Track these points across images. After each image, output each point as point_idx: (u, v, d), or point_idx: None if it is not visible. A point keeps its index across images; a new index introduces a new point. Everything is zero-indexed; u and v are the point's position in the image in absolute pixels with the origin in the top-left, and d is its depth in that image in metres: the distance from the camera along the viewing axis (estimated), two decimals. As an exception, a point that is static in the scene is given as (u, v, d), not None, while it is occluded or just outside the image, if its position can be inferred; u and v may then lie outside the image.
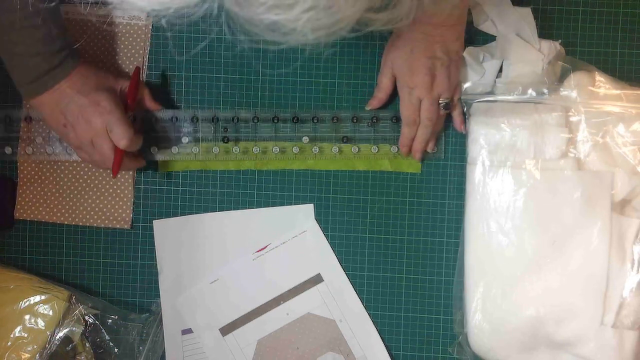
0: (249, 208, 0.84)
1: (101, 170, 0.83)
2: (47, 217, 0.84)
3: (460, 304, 0.80)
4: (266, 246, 0.83)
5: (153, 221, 0.84)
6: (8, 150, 0.83)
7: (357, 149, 0.82)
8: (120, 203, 0.84)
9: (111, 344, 0.82)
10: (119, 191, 0.84)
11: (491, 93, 0.79)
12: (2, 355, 0.78)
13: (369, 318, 0.83)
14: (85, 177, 0.84)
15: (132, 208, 0.84)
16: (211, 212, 0.84)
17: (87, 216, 0.84)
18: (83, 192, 0.84)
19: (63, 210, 0.84)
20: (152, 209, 0.84)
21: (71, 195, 0.84)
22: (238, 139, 0.82)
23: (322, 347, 0.83)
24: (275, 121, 0.82)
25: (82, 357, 0.81)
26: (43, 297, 0.80)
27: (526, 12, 0.78)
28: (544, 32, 0.80)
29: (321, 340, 0.83)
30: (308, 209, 0.84)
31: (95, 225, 0.84)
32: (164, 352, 0.83)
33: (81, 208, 0.84)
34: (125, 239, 0.85)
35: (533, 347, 0.77)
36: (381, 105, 0.81)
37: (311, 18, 0.40)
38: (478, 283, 0.78)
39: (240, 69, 0.83)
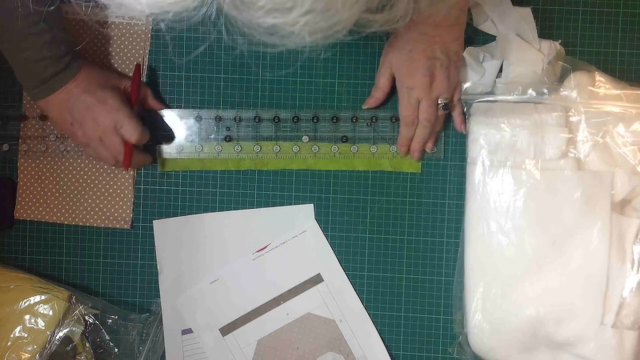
0: (248, 208, 0.84)
1: (101, 170, 0.84)
2: (47, 217, 0.84)
3: (460, 304, 0.80)
4: (266, 246, 0.83)
5: (153, 221, 0.84)
6: (5, 147, 0.84)
7: (356, 149, 0.82)
8: (120, 203, 0.84)
9: (111, 344, 0.82)
10: (119, 191, 0.84)
11: (491, 93, 0.79)
12: (2, 355, 0.78)
13: (369, 318, 0.83)
14: (85, 177, 0.84)
15: (132, 208, 0.84)
16: (211, 212, 0.84)
17: (87, 216, 0.84)
18: (83, 192, 0.84)
19: (63, 210, 0.84)
20: (152, 209, 0.84)
21: (71, 195, 0.84)
22: (240, 137, 0.83)
23: (322, 347, 0.83)
24: (276, 120, 0.83)
25: (82, 357, 0.81)
26: (43, 297, 0.80)
27: (526, 12, 0.79)
28: (544, 32, 0.80)
29: (321, 340, 0.83)
30: (308, 209, 0.84)
31: (95, 225, 0.84)
32: (164, 352, 0.83)
33: (81, 208, 0.84)
34: (125, 239, 0.85)
35: (533, 347, 0.77)
36: (378, 104, 0.81)
37: (309, 21, 0.40)
38: (478, 283, 0.78)
39: (241, 69, 0.83)
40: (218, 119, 0.83)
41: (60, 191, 0.84)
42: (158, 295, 0.84)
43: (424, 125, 0.78)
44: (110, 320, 0.82)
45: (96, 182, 0.84)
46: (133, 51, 0.83)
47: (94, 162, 0.84)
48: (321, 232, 0.83)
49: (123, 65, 0.83)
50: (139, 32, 0.83)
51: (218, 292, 0.83)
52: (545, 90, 0.78)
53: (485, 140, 0.78)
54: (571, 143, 0.77)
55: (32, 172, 0.84)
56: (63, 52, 0.72)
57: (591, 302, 0.75)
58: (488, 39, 0.81)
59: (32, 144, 0.83)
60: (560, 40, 0.79)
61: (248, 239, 0.84)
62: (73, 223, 0.84)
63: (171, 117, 0.83)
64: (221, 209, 0.84)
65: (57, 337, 0.79)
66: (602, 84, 0.77)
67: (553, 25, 0.82)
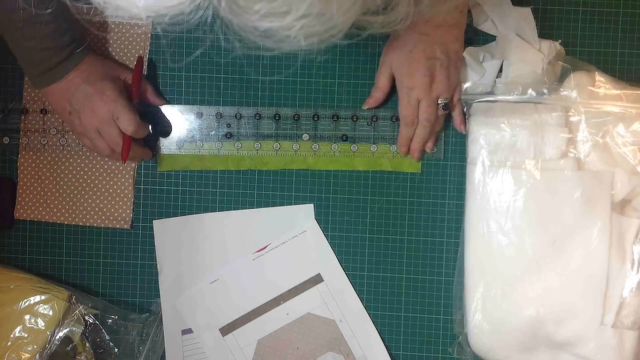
0: (248, 208, 0.84)
1: (101, 170, 0.84)
2: (47, 217, 0.84)
3: (460, 304, 0.81)
4: (266, 246, 0.83)
5: (153, 221, 0.84)
6: (6, 140, 0.84)
7: (356, 148, 0.82)
8: (120, 203, 0.84)
9: (111, 344, 0.82)
10: (119, 191, 0.84)
11: (491, 93, 0.79)
12: (2, 355, 0.78)
13: (369, 318, 0.83)
14: (85, 177, 0.84)
15: (132, 208, 0.84)
16: (211, 212, 0.84)
17: (87, 216, 0.84)
18: (83, 192, 0.84)
19: (63, 210, 0.84)
20: (152, 209, 0.84)
21: (71, 195, 0.84)
22: (240, 134, 0.83)
23: (322, 347, 0.83)
24: (277, 118, 0.83)
25: (82, 357, 0.81)
26: (43, 297, 0.80)
27: (526, 12, 0.79)
28: (544, 32, 0.80)
29: (321, 340, 0.83)
30: (308, 209, 0.84)
31: (95, 225, 0.84)
32: (164, 352, 0.83)
33: (81, 208, 0.84)
34: (125, 239, 0.85)
35: (533, 347, 0.77)
36: (378, 104, 0.82)
37: (304, 25, 0.40)
38: (478, 283, 0.78)
39: (241, 68, 0.83)
40: (219, 115, 0.83)
41: (60, 191, 0.84)
42: (158, 295, 0.84)
43: (423, 125, 0.78)
44: (110, 320, 0.82)
45: (96, 182, 0.84)
46: (133, 51, 0.83)
47: (94, 162, 0.84)
48: (321, 232, 0.83)
49: (127, 62, 0.83)
50: (139, 31, 0.83)
51: (218, 292, 0.83)
52: (545, 90, 0.78)
53: (485, 140, 0.78)
54: (571, 143, 0.77)
55: (32, 172, 0.84)
56: (66, 42, 0.73)
57: (591, 302, 0.75)
58: (488, 39, 0.81)
59: (32, 138, 0.83)
60: (560, 40, 0.79)
61: (248, 239, 0.84)
62: (73, 223, 0.84)
63: (172, 113, 0.83)
64: (221, 209, 0.84)
65: (57, 337, 0.79)
66: (602, 84, 0.77)
67: (553, 25, 0.82)
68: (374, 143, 0.83)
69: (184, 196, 0.84)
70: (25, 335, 0.79)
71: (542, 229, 0.76)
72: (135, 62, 0.80)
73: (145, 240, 0.85)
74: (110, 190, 0.84)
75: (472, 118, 0.79)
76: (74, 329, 0.80)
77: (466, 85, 0.79)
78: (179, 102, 0.84)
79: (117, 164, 0.84)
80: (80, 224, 0.84)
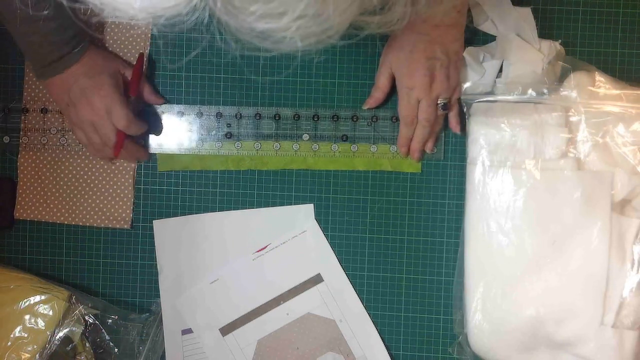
0: (248, 208, 0.84)
1: (101, 170, 0.84)
2: (47, 217, 0.84)
3: (460, 304, 0.80)
4: (266, 246, 0.83)
5: (153, 221, 0.84)
6: (6, 139, 0.84)
7: (356, 148, 0.82)
8: (120, 203, 0.84)
9: (111, 344, 0.82)
10: (119, 191, 0.84)
11: (491, 93, 0.79)
12: (2, 355, 0.78)
13: (369, 318, 0.83)
14: (85, 177, 0.84)
15: (132, 208, 0.84)
16: (211, 212, 0.84)
17: (87, 216, 0.84)
18: (83, 192, 0.84)
19: (63, 210, 0.84)
20: (152, 209, 0.84)
21: (71, 195, 0.84)
22: (240, 134, 0.83)
23: (322, 347, 0.83)
24: (277, 118, 0.83)
25: (82, 357, 0.81)
26: (43, 297, 0.80)
27: (526, 12, 0.78)
28: (544, 32, 0.80)
29: (321, 340, 0.83)
30: (308, 209, 0.84)
31: (95, 225, 0.84)
32: (164, 352, 0.83)
33: (81, 208, 0.84)
34: (125, 239, 0.85)
35: (533, 347, 0.77)
36: (378, 104, 0.82)
37: (301, 26, 0.40)
38: (478, 283, 0.78)
39: (241, 68, 0.83)
40: (219, 115, 0.83)
41: (60, 191, 0.84)
42: (158, 295, 0.84)
43: (423, 125, 0.78)
44: (110, 320, 0.82)
45: (96, 182, 0.84)
46: (133, 51, 0.83)
47: (94, 162, 0.84)
48: (321, 232, 0.83)
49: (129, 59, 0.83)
50: (139, 31, 0.83)
51: (218, 292, 0.83)
52: (545, 90, 0.78)
53: (485, 140, 0.78)
54: (571, 143, 0.77)
55: (32, 172, 0.84)
56: (69, 36, 0.74)
57: (591, 302, 0.75)
58: (488, 39, 0.81)
59: (32, 137, 0.84)
60: (560, 40, 0.79)
61: (248, 239, 0.84)
62: (73, 223, 0.84)
63: (172, 112, 0.83)
64: (221, 209, 0.84)
65: (57, 337, 0.79)
66: (602, 84, 0.77)
67: (553, 25, 0.82)
68: (374, 143, 0.83)
69: (184, 196, 0.84)
70: (25, 335, 0.79)
71: (542, 229, 0.76)
72: (136, 60, 0.80)
73: (145, 240, 0.85)
74: (110, 190, 0.84)
75: (472, 118, 0.79)
76: (74, 329, 0.80)
77: (466, 85, 0.79)
78: (179, 102, 0.84)
79: (117, 164, 0.84)
80: (80, 224, 0.84)
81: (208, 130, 0.83)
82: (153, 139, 0.83)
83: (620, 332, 0.74)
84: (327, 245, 0.83)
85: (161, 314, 0.83)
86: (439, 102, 0.77)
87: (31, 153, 0.84)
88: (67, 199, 0.84)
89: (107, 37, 0.83)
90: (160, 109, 0.83)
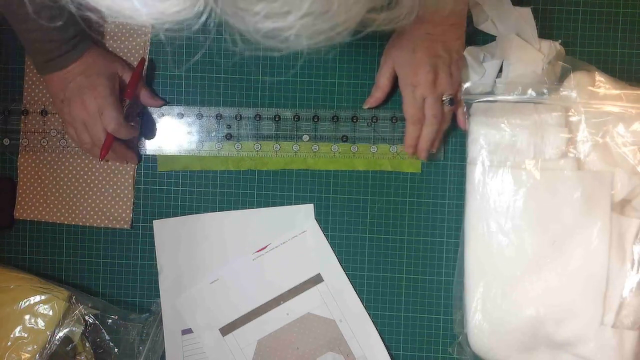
0: (248, 208, 0.84)
1: (101, 170, 0.84)
2: (47, 217, 0.84)
3: (460, 304, 0.80)
4: (266, 246, 0.83)
5: (153, 221, 0.84)
6: (6, 141, 0.84)
7: (356, 148, 0.82)
8: (120, 203, 0.84)
9: (111, 344, 0.82)
10: (119, 191, 0.84)
11: (491, 93, 0.79)
12: (2, 355, 0.78)
13: (369, 318, 0.83)
14: (85, 177, 0.84)
15: (132, 208, 0.84)
16: (211, 212, 0.84)
17: (87, 216, 0.84)
18: (83, 192, 0.84)
19: (63, 210, 0.84)
20: (152, 209, 0.84)
21: (71, 195, 0.84)
22: (240, 135, 0.83)
23: (322, 347, 0.83)
24: (277, 119, 0.83)
25: (82, 357, 0.81)
26: (43, 297, 0.80)
27: (526, 12, 0.78)
28: (544, 32, 0.80)
29: (321, 340, 0.83)
30: (308, 209, 0.84)
31: (95, 225, 0.84)
32: (164, 352, 0.83)
33: (81, 208, 0.84)
34: (125, 239, 0.85)
35: (533, 347, 0.77)
36: (378, 104, 0.81)
37: (307, 24, 0.40)
38: (478, 283, 0.78)
39: (241, 69, 0.83)
40: (219, 116, 0.83)
41: (60, 191, 0.84)
42: (158, 295, 0.84)
43: (431, 122, 0.77)
44: (110, 320, 0.82)
45: (96, 182, 0.84)
46: (133, 51, 0.83)
47: (94, 162, 0.84)
48: (321, 232, 0.83)
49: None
50: (139, 31, 0.83)
51: (218, 292, 0.83)
52: (545, 90, 0.78)
53: (485, 140, 0.78)
54: (571, 143, 0.77)
55: (32, 172, 0.84)
56: (71, 35, 0.74)
57: (591, 302, 0.75)
58: (488, 39, 0.81)
59: (32, 139, 0.84)
60: (560, 40, 0.79)
61: (248, 239, 0.84)
62: (73, 223, 0.84)
63: (172, 114, 0.83)
64: (221, 209, 0.84)
65: (57, 337, 0.79)
66: (602, 84, 0.77)
67: (553, 25, 0.82)
68: (374, 144, 0.83)
69: (183, 196, 0.84)
70: (25, 335, 0.79)
71: (542, 229, 0.76)
72: (136, 63, 0.80)
73: (145, 240, 0.85)
74: (110, 191, 0.84)
75: (472, 118, 0.79)
76: (74, 329, 0.80)
77: (466, 85, 0.79)
78: (179, 103, 0.84)
79: (117, 164, 0.84)
80: (80, 224, 0.84)
81: (208, 132, 0.83)
82: (153, 141, 0.83)
83: (620, 332, 0.74)
84: (327, 245, 0.83)
85: (161, 314, 0.83)
86: (444, 98, 0.77)
87: (31, 153, 0.84)
88: (67, 199, 0.84)
89: (107, 37, 0.83)
90: (160, 110, 0.83)
